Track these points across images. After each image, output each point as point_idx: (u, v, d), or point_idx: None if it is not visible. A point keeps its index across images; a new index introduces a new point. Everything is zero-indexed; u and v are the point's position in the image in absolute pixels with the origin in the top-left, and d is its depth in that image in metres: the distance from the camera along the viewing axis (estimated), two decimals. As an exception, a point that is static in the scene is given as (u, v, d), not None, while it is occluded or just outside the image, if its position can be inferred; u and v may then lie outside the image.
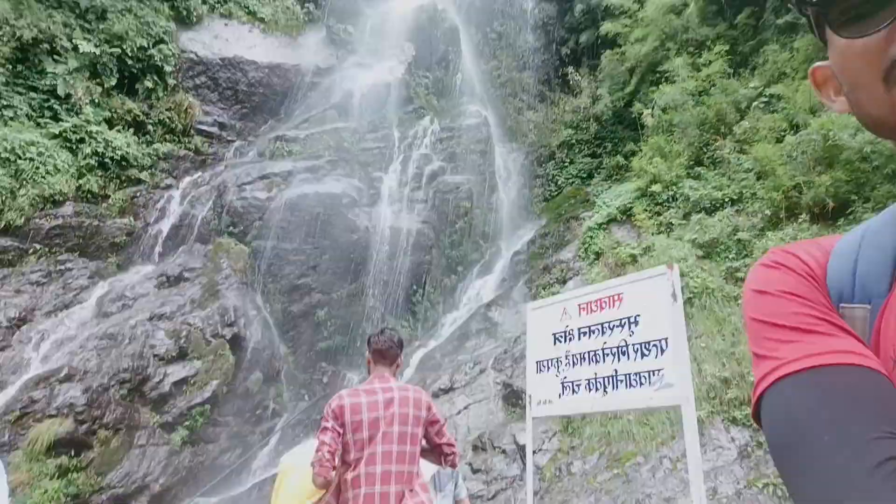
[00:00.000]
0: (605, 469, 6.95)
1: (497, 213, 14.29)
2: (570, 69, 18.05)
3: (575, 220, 12.30)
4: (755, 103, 12.40)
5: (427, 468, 3.52)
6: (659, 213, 11.29)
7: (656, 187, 11.59)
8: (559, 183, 15.32)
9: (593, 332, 3.34)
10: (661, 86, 13.64)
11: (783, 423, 0.53)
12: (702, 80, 13.49)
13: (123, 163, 12.32)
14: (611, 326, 3.24)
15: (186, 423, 8.51)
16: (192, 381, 8.48)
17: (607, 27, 16.02)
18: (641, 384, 2.99)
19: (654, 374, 2.94)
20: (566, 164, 15.59)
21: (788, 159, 10.64)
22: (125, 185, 12.13)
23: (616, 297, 3.26)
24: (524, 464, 7.20)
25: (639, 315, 3.09)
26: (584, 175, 14.89)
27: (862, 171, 9.66)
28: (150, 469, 7.68)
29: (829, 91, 0.66)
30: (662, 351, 2.92)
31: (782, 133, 11.32)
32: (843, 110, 0.64)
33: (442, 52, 16.80)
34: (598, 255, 10.88)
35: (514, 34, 19.03)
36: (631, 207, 11.54)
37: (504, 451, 7.35)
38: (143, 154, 12.71)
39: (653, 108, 13.52)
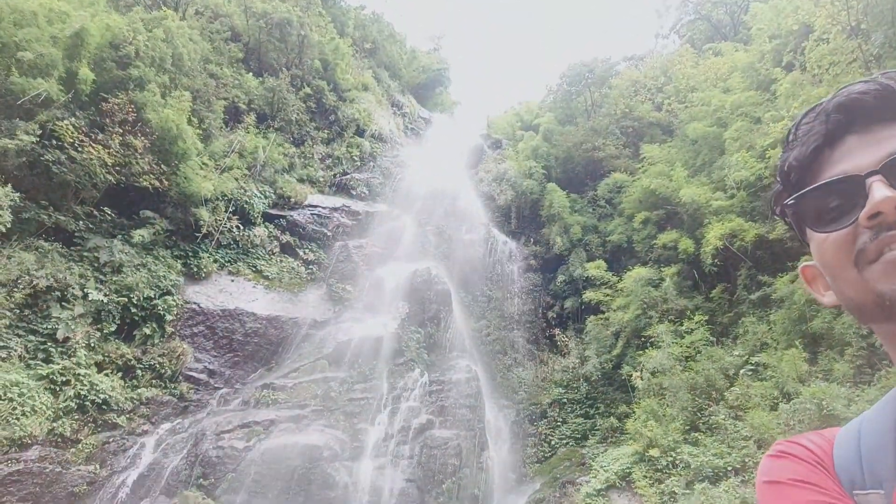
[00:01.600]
0: None
1: (488, 474, 14.32)
2: (558, 331, 20.37)
3: (571, 485, 12.43)
4: (742, 371, 13.91)
5: None
6: (660, 481, 11.63)
7: (654, 452, 12.18)
8: (552, 443, 15.81)
9: None
10: (646, 350, 15.38)
11: None
12: (686, 346, 15.30)
13: (104, 406, 13.00)
14: None
15: None
16: None
17: (590, 295, 18.78)
18: None
19: None
20: (559, 423, 16.35)
21: (786, 428, 11.57)
22: (100, 429, 12.57)
23: None
24: None
25: None
26: (579, 436, 15.51)
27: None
28: None
29: (818, 287, 0.82)
30: None
31: (775, 401, 12.50)
32: (832, 303, 0.79)
33: (434, 310, 19.18)
34: (598, 525, 10.84)
35: (502, 298, 22.02)
36: (630, 472, 11.92)
37: None
38: (125, 398, 13.50)
39: (641, 371, 14.98)
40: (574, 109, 31.78)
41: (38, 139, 14.80)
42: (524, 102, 40.38)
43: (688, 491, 11.03)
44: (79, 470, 11.51)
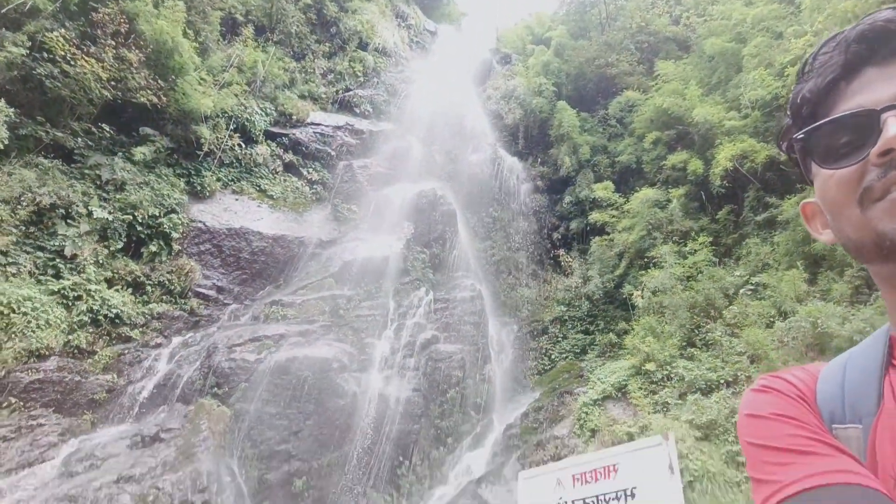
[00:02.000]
0: None
1: (490, 385, 15.09)
2: (562, 251, 20.61)
3: (569, 395, 13.09)
4: (742, 290, 14.17)
5: None
6: (654, 392, 12.19)
7: (650, 366, 12.67)
8: (553, 357, 16.50)
9: (589, 505, 3.42)
10: (649, 270, 15.62)
11: None
12: (688, 266, 15.50)
13: (116, 321, 13.52)
14: (606, 499, 3.38)
15: None
16: (150, 553, 8.46)
17: (595, 217, 18.83)
18: (641, 564, 3.01)
19: (651, 551, 2.96)
20: (559, 339, 16.97)
21: (780, 344, 11.94)
22: (114, 342, 13.16)
23: (611, 468, 3.48)
24: None
25: (635, 487, 3.29)
26: (578, 350, 16.14)
27: (852, 358, 10.95)
28: None
29: (816, 225, 0.82)
30: (662, 526, 2.98)
31: (771, 319, 12.83)
32: (830, 241, 0.79)
33: (440, 231, 19.35)
34: (593, 432, 11.49)
35: (508, 219, 22.10)
36: (626, 385, 12.48)
37: None
38: (137, 313, 14.01)
39: (642, 290, 15.29)
40: (588, 22, 30.35)
41: (28, 52, 14.39)
42: (535, 14, 38.48)
43: (680, 401, 11.57)
44: (97, 379, 12.17)
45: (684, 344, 13.20)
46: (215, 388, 12.38)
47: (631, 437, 10.86)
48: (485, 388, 14.82)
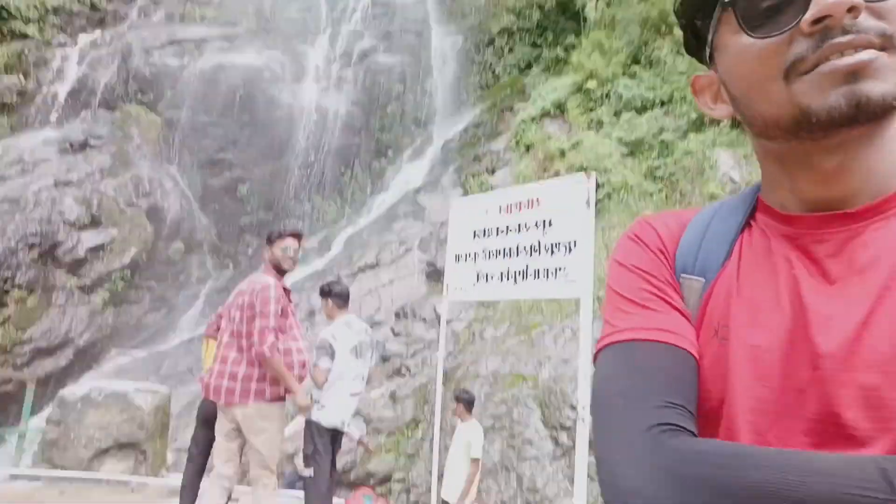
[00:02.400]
0: (513, 335, 8.48)
1: (431, 99, 14.91)
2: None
3: (509, 112, 13.24)
4: (700, 4, 13.54)
5: (348, 336, 4.48)
6: (592, 110, 12.48)
7: (592, 84, 12.68)
8: (497, 72, 15.98)
9: (510, 231, 3.83)
10: (609, -23, 14.37)
11: (598, 383, 0.68)
12: (649, -25, 14.33)
13: (4, 14, 11.67)
14: (527, 226, 3.70)
15: (107, 286, 9.24)
16: (108, 248, 9.06)
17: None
18: (548, 278, 3.54)
19: (560, 270, 3.48)
20: (506, 52, 16.22)
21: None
22: (8, 38, 11.59)
23: (535, 200, 3.73)
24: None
25: (553, 217, 3.57)
26: (523, 65, 15.62)
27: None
28: (71, 325, 8.45)
29: (706, 98, 0.77)
30: (570, 251, 3.45)
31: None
32: (722, 116, 0.75)
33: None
34: (528, 147, 12.01)
35: None
36: (565, 102, 12.63)
37: (424, 320, 8.74)
38: (27, 5, 12.03)
39: (597, 1, 14.33)
40: None
41: None
42: None
43: (614, 119, 12.00)
44: (1, 80, 11.05)
45: (629, 62, 13.03)
46: (139, 95, 11.64)
47: (562, 154, 11.47)
48: (426, 102, 14.62)
